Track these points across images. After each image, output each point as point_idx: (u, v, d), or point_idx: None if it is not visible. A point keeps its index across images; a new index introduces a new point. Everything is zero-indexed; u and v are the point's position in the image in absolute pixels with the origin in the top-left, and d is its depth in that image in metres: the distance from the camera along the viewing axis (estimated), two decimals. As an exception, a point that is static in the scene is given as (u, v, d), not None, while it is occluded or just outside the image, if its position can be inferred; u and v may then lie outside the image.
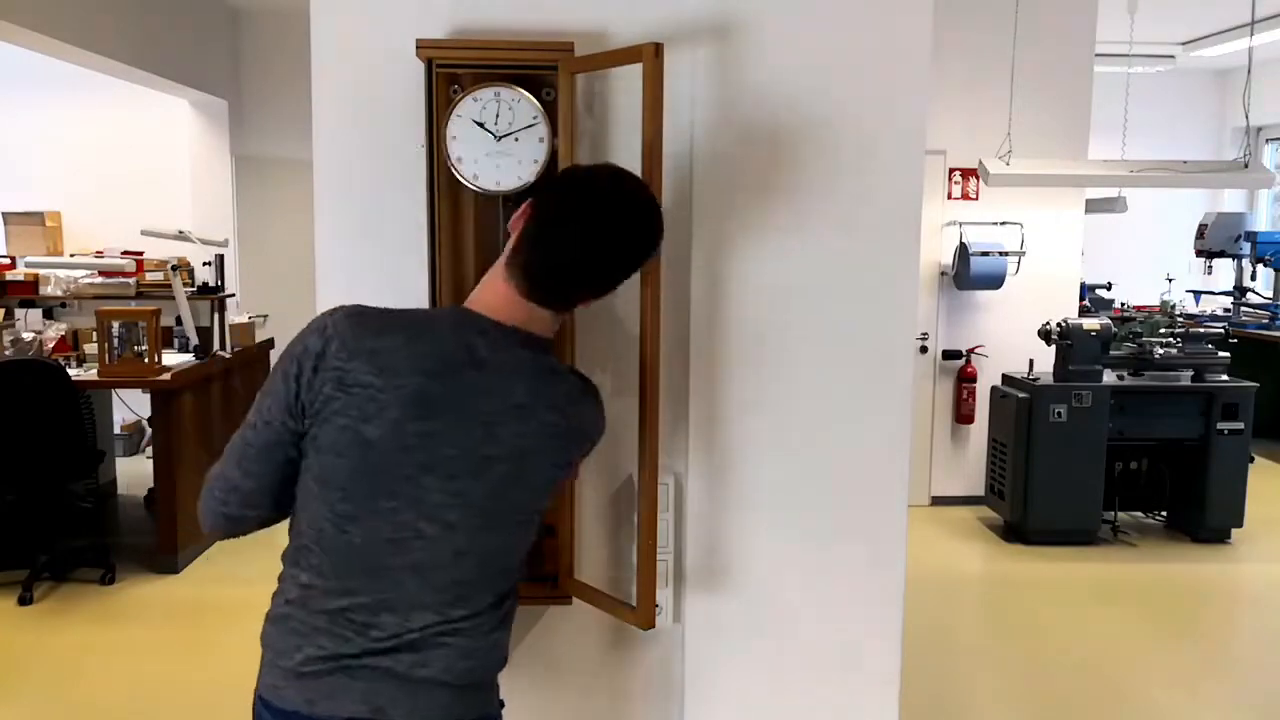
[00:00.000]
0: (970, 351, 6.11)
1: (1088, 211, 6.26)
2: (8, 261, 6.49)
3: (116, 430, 6.57)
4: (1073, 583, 4.93)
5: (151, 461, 5.18)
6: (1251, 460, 5.51)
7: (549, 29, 1.72)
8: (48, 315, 6.19)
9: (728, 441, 1.82)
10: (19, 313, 5.82)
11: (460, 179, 1.68)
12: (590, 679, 1.87)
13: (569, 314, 1.54)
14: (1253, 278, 7.70)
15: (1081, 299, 6.51)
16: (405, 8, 1.72)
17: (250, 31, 7.22)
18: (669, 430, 1.79)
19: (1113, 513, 5.54)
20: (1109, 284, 7.55)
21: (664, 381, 1.75)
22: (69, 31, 5.09)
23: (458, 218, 1.75)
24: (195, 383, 5.12)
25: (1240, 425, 5.36)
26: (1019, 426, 5.34)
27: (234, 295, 6.80)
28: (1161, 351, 5.51)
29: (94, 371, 4.93)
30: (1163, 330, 5.64)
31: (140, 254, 6.30)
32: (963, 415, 6.15)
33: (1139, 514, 5.77)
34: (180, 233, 5.59)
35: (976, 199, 6.03)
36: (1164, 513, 5.74)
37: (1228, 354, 5.53)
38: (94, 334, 4.99)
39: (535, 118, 1.69)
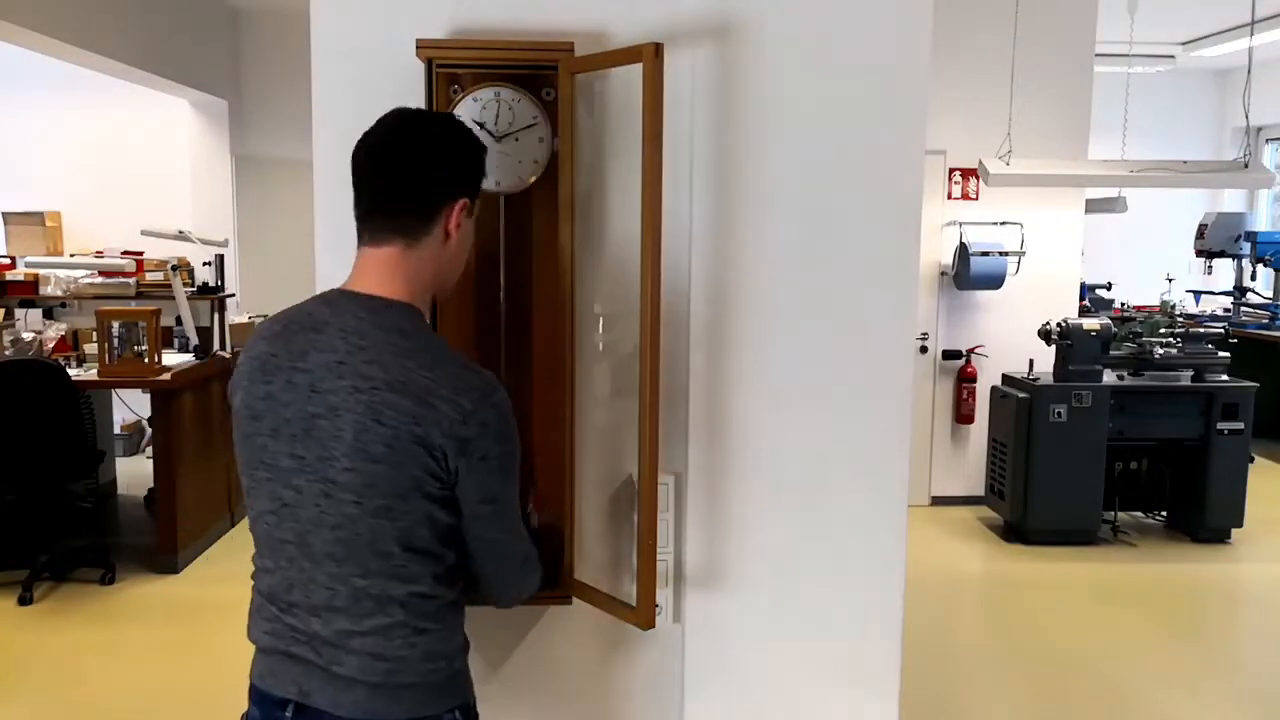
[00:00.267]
0: (970, 351, 6.11)
1: (1088, 211, 6.26)
2: (8, 261, 6.49)
3: (116, 430, 6.57)
4: (1073, 583, 4.93)
5: (151, 461, 5.18)
6: (1251, 460, 5.51)
7: (549, 29, 1.72)
8: (48, 315, 6.19)
9: (727, 441, 1.82)
10: (19, 313, 5.82)
11: (460, 179, 1.67)
12: (590, 679, 1.87)
13: (447, 291, 1.52)
14: (1253, 278, 7.70)
15: (1081, 299, 6.51)
16: (405, 8, 1.72)
17: (250, 31, 7.22)
18: (669, 430, 1.79)
19: (1113, 513, 5.53)
20: (1109, 284, 7.55)
21: (664, 382, 1.75)
22: (69, 31, 5.09)
23: (458, 218, 1.75)
24: (195, 383, 5.12)
25: (1240, 425, 5.36)
26: (1019, 426, 5.34)
27: (234, 295, 6.80)
28: (1161, 351, 5.51)
29: (94, 371, 4.93)
30: (1163, 330, 5.64)
31: (140, 254, 6.30)
32: (963, 415, 6.15)
33: (1139, 514, 5.77)
34: (180, 233, 5.60)
35: (976, 199, 6.03)
36: (1164, 513, 5.74)
37: (1228, 354, 5.53)
38: (94, 334, 4.99)
39: (535, 118, 1.69)
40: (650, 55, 1.54)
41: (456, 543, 1.42)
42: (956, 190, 6.04)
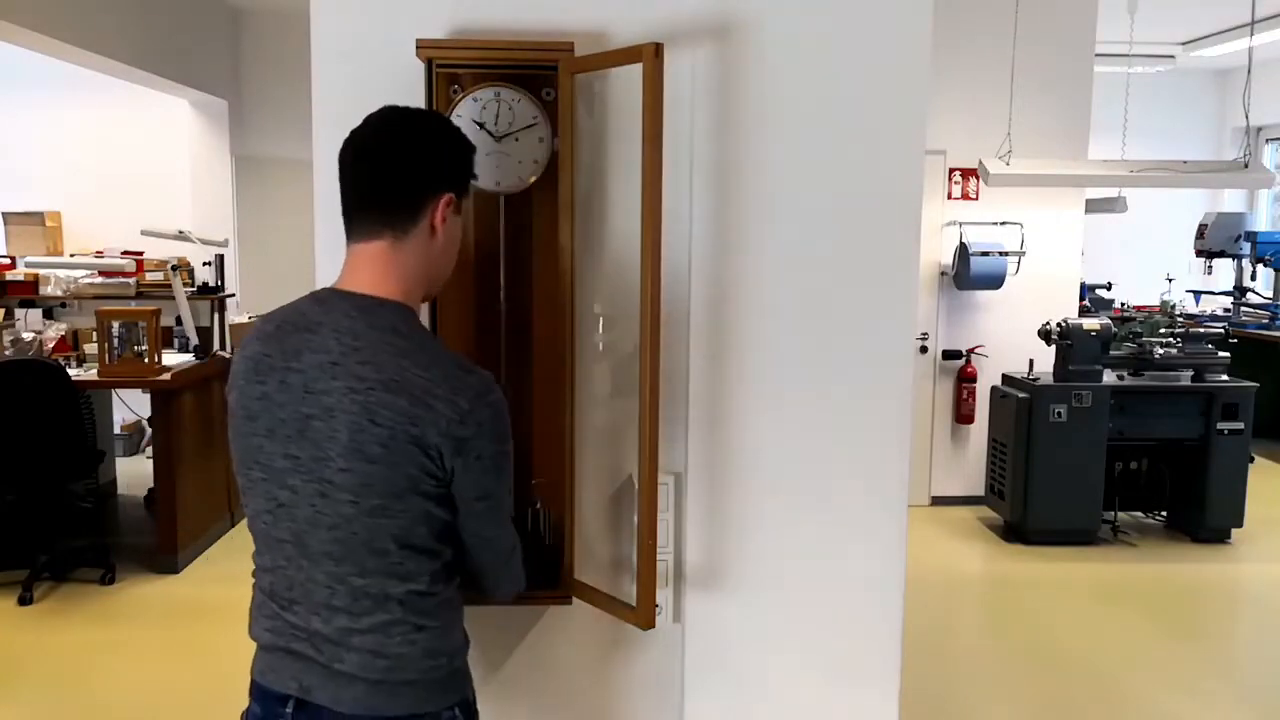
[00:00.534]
0: (970, 351, 6.11)
1: (1088, 211, 6.26)
2: (8, 261, 6.49)
3: (116, 430, 6.57)
4: (1073, 583, 4.93)
5: (151, 461, 5.18)
6: (1251, 460, 5.51)
7: (549, 29, 1.72)
8: (48, 315, 6.19)
9: (728, 441, 1.82)
10: (19, 313, 5.82)
11: (460, 179, 1.67)
12: (590, 679, 1.87)
13: (434, 291, 1.51)
14: (1253, 278, 7.70)
15: (1081, 299, 6.51)
16: (405, 8, 1.72)
17: (250, 31, 7.23)
18: (669, 430, 1.79)
19: (1113, 513, 5.54)
20: (1109, 284, 7.55)
21: (663, 382, 1.75)
22: (69, 31, 5.09)
23: (458, 218, 1.75)
24: (195, 383, 5.12)
25: (1240, 425, 5.36)
26: (1019, 426, 5.34)
27: (234, 295, 6.81)
28: (1161, 351, 5.51)
29: (94, 371, 4.93)
30: (1163, 330, 5.64)
31: (140, 254, 6.30)
32: (963, 415, 6.15)
33: (1139, 514, 5.77)
34: (180, 233, 5.60)
35: (976, 199, 6.03)
36: (1164, 513, 5.74)
37: (1228, 354, 5.53)
38: (94, 334, 4.99)
39: (535, 118, 1.69)
40: (650, 55, 1.54)
41: (454, 539, 1.43)
42: (956, 190, 6.04)
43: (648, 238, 1.58)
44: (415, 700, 1.41)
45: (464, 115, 1.67)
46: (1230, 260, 7.64)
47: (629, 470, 1.80)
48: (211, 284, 6.38)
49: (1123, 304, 7.18)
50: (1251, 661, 4.18)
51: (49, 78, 6.80)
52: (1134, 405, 5.38)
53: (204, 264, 6.41)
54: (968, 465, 6.19)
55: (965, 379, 6.12)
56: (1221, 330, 5.72)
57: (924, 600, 4.59)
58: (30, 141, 7.13)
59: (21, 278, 6.25)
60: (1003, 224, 5.98)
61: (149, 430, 6.23)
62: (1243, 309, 7.88)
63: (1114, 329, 5.45)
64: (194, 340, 5.43)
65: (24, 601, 4.48)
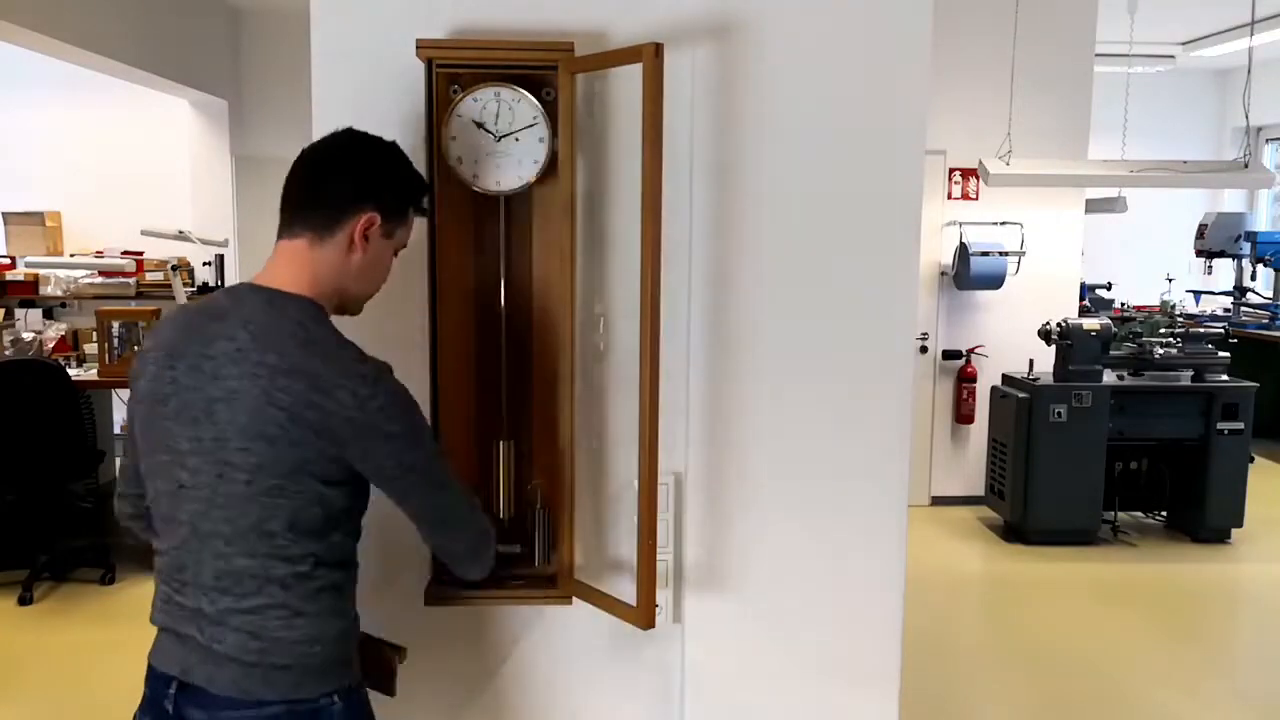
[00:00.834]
0: (970, 351, 6.11)
1: (1088, 211, 6.26)
2: (8, 261, 6.48)
3: (116, 430, 6.55)
4: (1073, 583, 4.93)
5: (151, 461, 5.17)
6: (1251, 460, 5.50)
7: (549, 29, 1.72)
8: (48, 315, 6.18)
9: (728, 441, 1.82)
10: (19, 313, 5.82)
11: (460, 179, 1.68)
12: (590, 679, 1.87)
13: (350, 307, 1.56)
14: (1253, 278, 7.70)
15: (1081, 299, 6.51)
16: (405, 8, 1.72)
17: (250, 31, 7.22)
18: (669, 430, 1.79)
19: (1113, 513, 5.53)
20: (1109, 284, 7.54)
21: (664, 382, 1.75)
22: (69, 31, 5.09)
23: (458, 217, 1.75)
24: (195, 383, 5.11)
25: (1240, 425, 5.36)
26: (1019, 426, 5.34)
27: (234, 295, 6.79)
28: (1161, 351, 5.51)
29: (94, 371, 4.93)
30: (1163, 330, 5.64)
31: (140, 254, 6.30)
32: (963, 415, 6.15)
33: (1139, 514, 5.77)
34: (180, 233, 5.59)
35: (976, 199, 6.03)
36: (1164, 513, 5.73)
37: (1228, 354, 5.52)
38: (94, 334, 4.99)
39: (535, 118, 1.69)
40: (650, 55, 1.54)
41: (345, 525, 1.47)
42: (956, 190, 6.04)
43: (648, 237, 1.58)
44: (290, 685, 1.43)
45: (464, 115, 1.67)
46: (1230, 260, 7.64)
47: (629, 470, 1.80)
48: (211, 284, 6.37)
49: (1123, 304, 7.18)
50: (1251, 661, 4.18)
51: (49, 78, 6.79)
52: (1134, 405, 5.38)
53: (204, 264, 6.41)
54: (968, 465, 6.19)
55: (965, 379, 6.12)
56: (1221, 330, 5.72)
57: (924, 600, 4.59)
58: (30, 141, 7.13)
59: (21, 278, 6.25)
60: (1003, 224, 5.98)
61: (149, 430, 6.21)
62: (1243, 309, 7.88)
63: (1114, 329, 5.45)
64: (194, 340, 5.41)
65: (24, 601, 4.48)
